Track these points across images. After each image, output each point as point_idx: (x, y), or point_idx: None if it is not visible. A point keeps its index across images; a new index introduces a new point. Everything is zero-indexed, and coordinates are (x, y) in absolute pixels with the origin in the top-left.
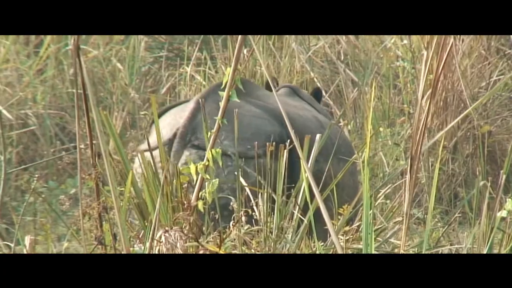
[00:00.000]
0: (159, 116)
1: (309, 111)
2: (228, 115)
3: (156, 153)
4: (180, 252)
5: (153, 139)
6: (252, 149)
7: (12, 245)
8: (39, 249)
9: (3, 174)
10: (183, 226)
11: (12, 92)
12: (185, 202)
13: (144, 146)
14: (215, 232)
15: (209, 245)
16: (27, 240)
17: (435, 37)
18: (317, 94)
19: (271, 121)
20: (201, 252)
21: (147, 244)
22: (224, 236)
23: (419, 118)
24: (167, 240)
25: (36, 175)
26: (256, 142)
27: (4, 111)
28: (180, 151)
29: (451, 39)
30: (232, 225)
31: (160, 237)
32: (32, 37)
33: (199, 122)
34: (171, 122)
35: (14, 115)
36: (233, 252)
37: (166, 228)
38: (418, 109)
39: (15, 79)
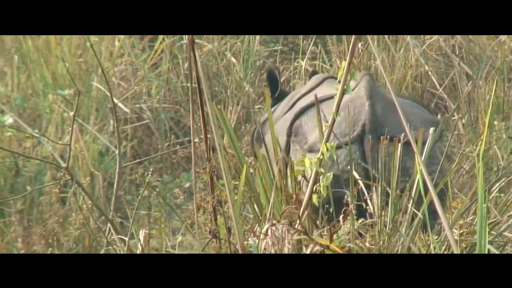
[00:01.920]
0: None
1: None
2: (395, 106)
3: (313, 155)
4: (288, 246)
5: (313, 140)
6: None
7: (126, 238)
8: (153, 243)
9: (118, 168)
10: (293, 220)
11: (127, 86)
12: (293, 195)
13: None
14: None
15: (320, 239)
16: (142, 234)
17: None
18: (272, 75)
19: (425, 111)
20: (311, 246)
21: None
22: (335, 230)
23: None
24: (274, 234)
25: (151, 169)
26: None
27: (120, 105)
28: (376, 145)
29: None
30: (342, 218)
31: (267, 230)
32: None
33: (381, 116)
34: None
35: (129, 109)
36: (347, 246)
37: (274, 222)
38: None
39: (130, 73)
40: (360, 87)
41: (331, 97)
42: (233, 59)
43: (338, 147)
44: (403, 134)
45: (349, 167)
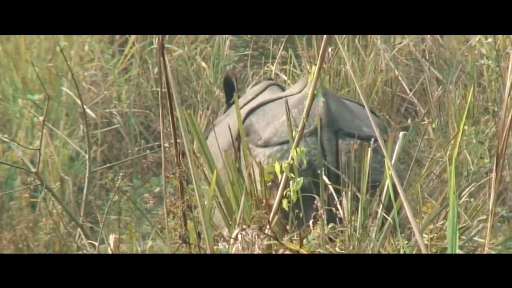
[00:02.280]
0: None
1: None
2: (347, 106)
3: (269, 150)
4: (258, 251)
5: (267, 135)
6: (379, 135)
7: (96, 243)
8: (124, 248)
9: (87, 173)
10: (262, 225)
11: (97, 91)
12: (263, 200)
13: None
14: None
15: (290, 244)
16: (112, 238)
17: None
18: (228, 80)
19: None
20: (281, 251)
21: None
22: (305, 235)
23: (505, 116)
24: (243, 239)
25: (121, 174)
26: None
27: (88, 110)
28: (332, 138)
29: None
30: (312, 223)
31: (237, 235)
32: (117, 36)
33: (335, 112)
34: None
35: (99, 114)
36: (317, 251)
37: (244, 227)
38: (505, 107)
39: (100, 78)
40: (309, 86)
41: (280, 98)
42: (203, 64)
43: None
44: (372, 136)
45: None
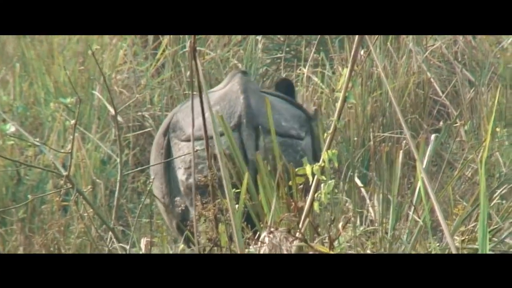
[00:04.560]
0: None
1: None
2: (262, 102)
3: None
4: (285, 252)
5: (191, 131)
6: (300, 131)
7: (127, 247)
8: (155, 251)
9: (119, 176)
10: (292, 227)
11: (129, 94)
12: (292, 203)
13: (185, 137)
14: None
15: (320, 246)
16: (143, 242)
17: None
18: (288, 86)
19: (293, 107)
20: (310, 253)
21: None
22: (335, 237)
23: None
24: (271, 242)
25: (152, 177)
26: None
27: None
28: (252, 134)
29: None
30: (342, 226)
31: (264, 238)
32: (150, 40)
33: (255, 108)
34: (219, 111)
35: (131, 117)
36: (349, 253)
37: (271, 229)
38: None
39: (132, 81)
40: (233, 83)
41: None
42: (239, 65)
43: (221, 134)
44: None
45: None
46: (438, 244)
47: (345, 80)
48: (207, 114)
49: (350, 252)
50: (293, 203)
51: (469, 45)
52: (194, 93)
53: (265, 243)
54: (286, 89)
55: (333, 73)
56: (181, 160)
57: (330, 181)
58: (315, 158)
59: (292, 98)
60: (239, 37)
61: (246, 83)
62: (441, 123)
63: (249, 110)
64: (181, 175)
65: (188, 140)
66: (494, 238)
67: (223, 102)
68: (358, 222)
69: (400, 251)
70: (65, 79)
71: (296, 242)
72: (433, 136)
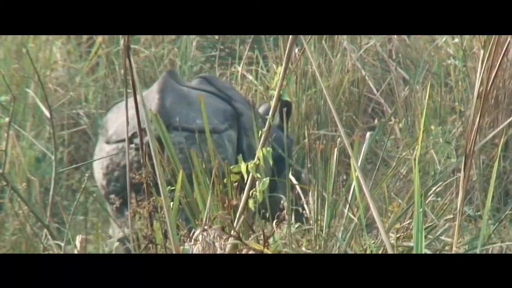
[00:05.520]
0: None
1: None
2: (186, 98)
3: (109, 147)
4: (220, 251)
5: (114, 131)
6: (218, 125)
7: (62, 244)
8: (90, 248)
9: (54, 174)
10: (226, 225)
11: (64, 92)
12: (226, 201)
13: (108, 139)
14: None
15: (254, 244)
16: (78, 239)
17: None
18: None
19: (220, 101)
20: (244, 251)
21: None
22: (269, 235)
23: (473, 116)
24: (204, 239)
25: (87, 175)
26: None
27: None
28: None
29: (508, 37)
30: (276, 223)
31: (198, 236)
32: (84, 38)
33: (169, 107)
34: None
35: (66, 115)
36: (283, 251)
37: (205, 227)
38: (473, 108)
39: (67, 79)
40: (155, 84)
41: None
42: (176, 60)
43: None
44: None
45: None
46: (373, 242)
47: (279, 78)
48: (141, 113)
49: (285, 249)
50: (227, 201)
51: (404, 43)
52: (129, 90)
53: (198, 241)
54: (264, 112)
55: (268, 71)
56: (100, 165)
57: (264, 179)
58: (239, 151)
59: (288, 119)
60: (173, 35)
61: (166, 83)
62: (375, 121)
63: (162, 109)
64: (101, 179)
65: (107, 143)
66: (429, 236)
67: (147, 102)
68: (293, 219)
69: (335, 249)
70: None
71: (230, 240)
72: (368, 134)
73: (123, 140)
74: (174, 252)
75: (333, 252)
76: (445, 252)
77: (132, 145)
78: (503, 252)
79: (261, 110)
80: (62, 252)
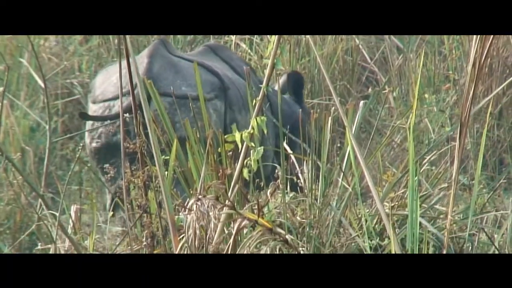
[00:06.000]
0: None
1: (222, 68)
2: (175, 67)
3: (95, 106)
4: (214, 221)
5: (100, 91)
6: (205, 93)
7: (57, 214)
8: (85, 218)
9: (48, 143)
10: (220, 195)
11: (57, 61)
12: (220, 170)
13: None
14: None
15: (248, 213)
16: (73, 209)
17: None
18: (298, 79)
19: (208, 73)
20: (239, 220)
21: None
22: (264, 204)
23: (468, 85)
24: (199, 209)
25: (82, 144)
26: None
27: (39, 81)
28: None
29: None
30: (270, 193)
31: (192, 205)
32: None
33: (156, 73)
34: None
35: (59, 84)
36: (278, 220)
37: (199, 197)
38: (468, 76)
39: (60, 48)
40: (145, 50)
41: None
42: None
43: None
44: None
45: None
46: (367, 211)
47: (273, 47)
48: (114, 77)
49: (279, 219)
50: (221, 170)
51: None
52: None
53: (192, 211)
54: (295, 81)
55: (261, 40)
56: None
57: (259, 148)
58: (225, 120)
59: (300, 91)
60: None
61: (156, 50)
62: (369, 89)
63: (149, 74)
64: (86, 138)
65: (94, 102)
66: (424, 204)
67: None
68: (288, 189)
69: (329, 218)
70: None
71: (225, 209)
72: (361, 103)
73: (108, 99)
74: (169, 221)
75: (328, 221)
76: (440, 222)
77: (126, 115)
78: (497, 221)
79: (282, 80)
80: (56, 222)
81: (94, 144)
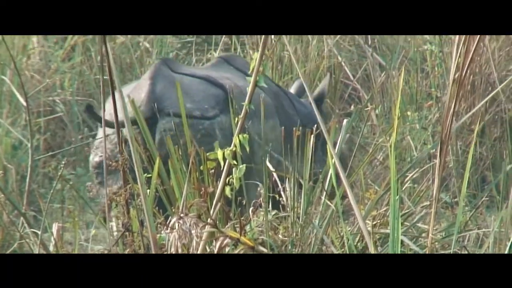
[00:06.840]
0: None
1: (241, 79)
2: (172, 87)
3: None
4: (196, 239)
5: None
6: (208, 111)
7: (39, 232)
8: (67, 236)
9: (30, 161)
10: (202, 213)
11: (40, 78)
12: (202, 188)
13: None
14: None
15: (230, 231)
16: (55, 227)
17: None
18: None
19: (213, 86)
20: (221, 239)
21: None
22: (246, 222)
23: (449, 102)
24: (181, 227)
25: (64, 162)
26: None
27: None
28: (153, 118)
29: None
30: (252, 211)
31: (174, 224)
32: None
33: (159, 93)
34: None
35: (42, 102)
36: (260, 238)
37: (181, 215)
38: (449, 93)
39: (43, 65)
40: (147, 72)
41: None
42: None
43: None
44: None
45: None
46: (350, 229)
47: (255, 64)
48: (118, 100)
49: (262, 237)
50: (203, 188)
51: None
52: (105, 77)
53: (175, 229)
54: (298, 88)
55: (244, 57)
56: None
57: (241, 166)
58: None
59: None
60: None
61: (157, 70)
62: (352, 107)
63: (152, 95)
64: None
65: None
66: (406, 223)
67: (135, 91)
68: (270, 207)
69: (312, 236)
70: None
71: (207, 228)
72: (344, 121)
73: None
74: (151, 239)
75: (310, 240)
76: (422, 240)
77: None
78: (479, 239)
79: (294, 86)
80: (38, 241)
81: (96, 159)
